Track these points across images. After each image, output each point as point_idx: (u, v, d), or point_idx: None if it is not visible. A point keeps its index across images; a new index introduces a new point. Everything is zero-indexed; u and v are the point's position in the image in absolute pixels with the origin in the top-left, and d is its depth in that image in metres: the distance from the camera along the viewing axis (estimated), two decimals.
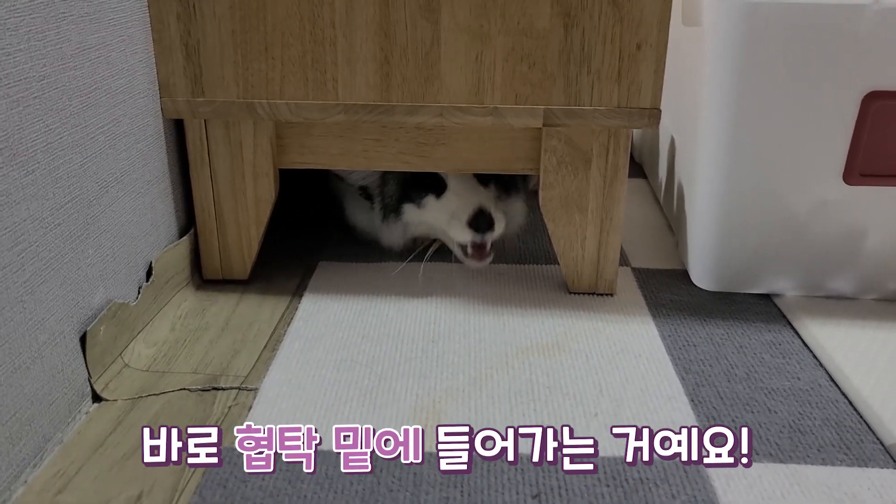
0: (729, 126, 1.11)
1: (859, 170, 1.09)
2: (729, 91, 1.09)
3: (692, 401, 0.94)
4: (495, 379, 0.98)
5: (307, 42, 1.07)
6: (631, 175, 1.18)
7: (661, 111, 1.09)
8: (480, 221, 1.18)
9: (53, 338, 0.86)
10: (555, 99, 1.08)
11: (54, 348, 0.86)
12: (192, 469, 0.82)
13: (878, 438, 0.88)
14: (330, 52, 1.08)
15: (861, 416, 0.92)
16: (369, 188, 1.32)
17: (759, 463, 0.83)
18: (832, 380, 0.99)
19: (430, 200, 1.24)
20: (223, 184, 1.17)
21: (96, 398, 0.94)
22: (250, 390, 0.96)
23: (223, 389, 0.96)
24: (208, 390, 0.96)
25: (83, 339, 0.92)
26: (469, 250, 1.22)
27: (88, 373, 0.93)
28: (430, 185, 1.24)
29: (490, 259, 1.23)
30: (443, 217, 1.23)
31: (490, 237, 1.20)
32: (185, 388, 0.96)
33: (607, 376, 0.99)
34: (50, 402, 0.85)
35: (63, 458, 0.84)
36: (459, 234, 1.20)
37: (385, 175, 1.28)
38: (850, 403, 0.94)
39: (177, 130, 1.16)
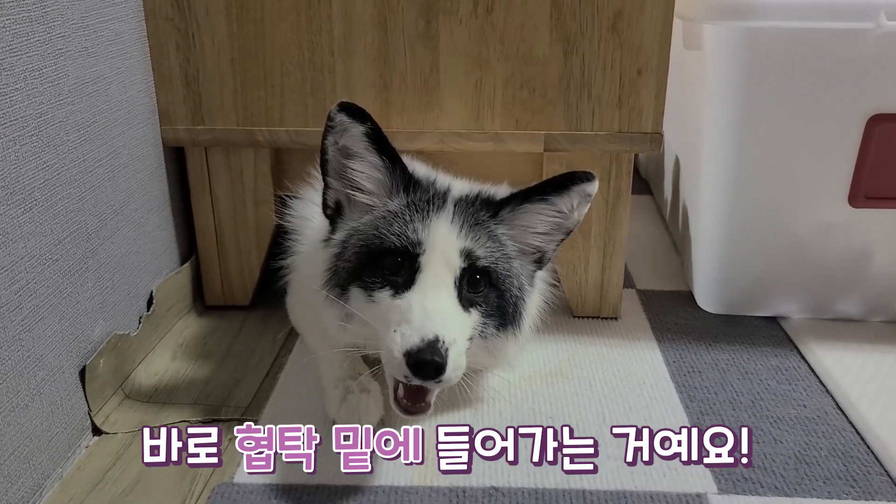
0: (732, 149, 1.10)
1: (864, 192, 1.08)
2: (732, 115, 1.08)
3: None
4: (497, 408, 0.97)
5: (306, 69, 1.07)
6: (637, 191, 1.17)
7: (662, 135, 1.08)
8: (423, 362, 0.76)
9: (52, 374, 0.85)
10: (555, 124, 1.08)
11: (53, 384, 0.85)
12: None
13: (885, 470, 0.87)
14: (329, 79, 1.07)
15: (868, 447, 0.90)
16: (342, 209, 0.92)
17: (763, 497, 0.82)
18: (839, 407, 0.98)
19: (384, 296, 0.84)
20: (224, 211, 1.17)
21: (96, 431, 0.93)
22: (252, 421, 0.95)
23: (224, 421, 0.96)
24: (209, 422, 0.95)
25: (83, 373, 0.92)
26: (400, 392, 0.84)
27: (88, 406, 0.93)
28: (395, 272, 0.85)
29: (426, 415, 0.84)
30: (385, 323, 0.82)
31: (434, 387, 0.81)
32: (185, 421, 0.96)
33: (611, 405, 0.98)
34: (49, 438, 0.84)
35: (62, 495, 0.83)
36: (390, 364, 0.80)
37: (364, 218, 0.90)
38: (857, 432, 0.93)
39: (177, 158, 1.16)
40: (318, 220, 0.98)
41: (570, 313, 1.21)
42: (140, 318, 1.06)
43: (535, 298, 0.97)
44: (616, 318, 1.21)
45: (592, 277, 1.18)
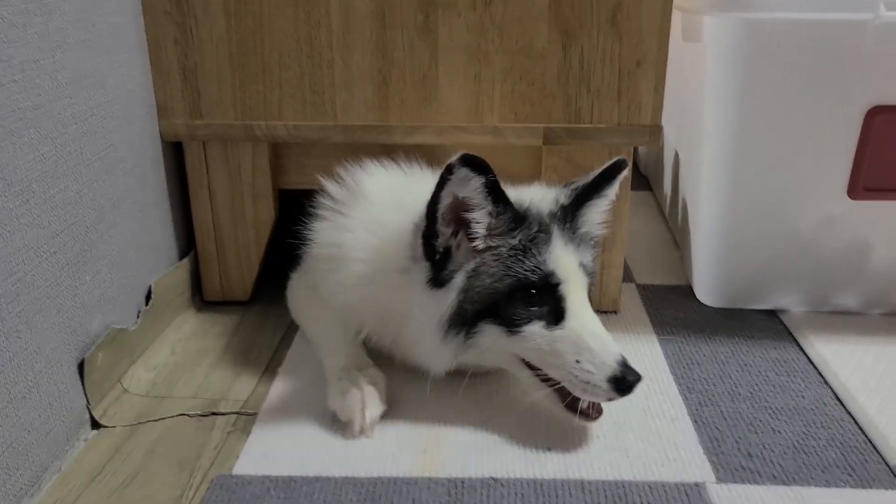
0: (732, 142, 1.10)
1: (863, 185, 1.08)
2: (731, 107, 1.08)
3: (695, 421, 0.93)
4: (496, 401, 0.97)
5: (305, 64, 1.07)
6: (636, 187, 1.17)
7: (662, 128, 1.08)
8: (632, 382, 0.84)
9: (50, 366, 0.85)
10: (555, 117, 1.08)
11: (51, 377, 0.85)
12: (190, 498, 0.81)
13: (882, 459, 0.86)
14: (328, 74, 1.07)
15: (866, 436, 0.90)
16: (451, 252, 0.88)
17: (762, 486, 0.82)
18: (837, 398, 0.98)
19: (535, 329, 0.87)
20: (223, 205, 1.17)
21: (95, 425, 0.93)
22: (250, 415, 0.95)
23: (223, 414, 0.96)
24: (207, 416, 0.95)
25: (81, 367, 0.92)
26: (584, 404, 0.88)
27: (87, 400, 0.92)
28: (538, 305, 0.87)
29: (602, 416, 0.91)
30: (556, 357, 0.86)
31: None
32: (184, 414, 0.95)
33: None
34: (48, 430, 0.84)
35: (61, 488, 0.83)
36: (590, 392, 0.85)
37: (486, 257, 0.88)
38: (856, 422, 0.93)
39: (175, 153, 1.16)
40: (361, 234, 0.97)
41: None
42: (138, 312, 1.06)
43: None
44: (616, 312, 1.21)
45: None
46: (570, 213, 0.92)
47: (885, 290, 1.16)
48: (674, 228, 1.48)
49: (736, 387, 1.00)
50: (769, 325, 1.16)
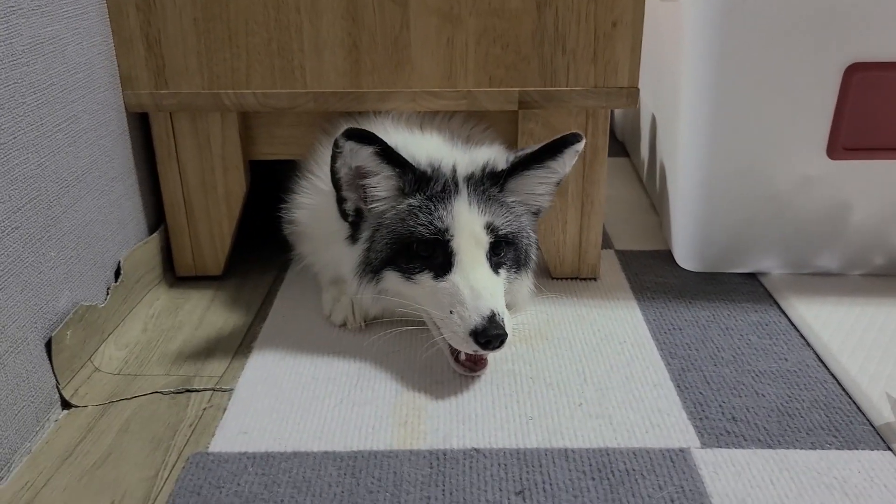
0: (709, 103, 1.08)
1: (843, 144, 1.07)
2: (708, 68, 1.06)
3: (678, 387, 0.92)
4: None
5: (272, 29, 1.04)
6: (613, 154, 1.15)
7: (639, 90, 1.06)
8: (491, 337, 0.87)
9: (16, 345, 0.82)
10: (530, 81, 1.05)
11: (17, 356, 0.83)
12: (165, 477, 0.79)
13: (867, 419, 0.86)
14: (296, 39, 1.04)
15: (850, 397, 0.90)
16: (362, 212, 0.98)
17: (747, 449, 0.81)
18: (820, 360, 0.97)
19: (425, 279, 0.94)
20: (192, 178, 1.14)
21: (66, 405, 0.91)
22: (225, 391, 0.93)
23: (197, 391, 0.93)
24: (181, 392, 0.93)
25: (49, 345, 0.89)
26: (462, 356, 0.95)
27: (56, 379, 0.90)
28: (430, 257, 0.94)
29: (484, 370, 0.96)
30: (438, 305, 0.92)
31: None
32: (157, 392, 0.93)
33: (591, 364, 0.97)
34: (15, 412, 0.82)
35: (31, 470, 0.81)
36: (457, 342, 0.90)
37: (388, 213, 0.96)
38: (839, 384, 0.93)
39: (142, 125, 1.13)
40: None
41: (549, 275, 1.20)
42: (108, 288, 1.03)
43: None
44: (595, 279, 1.19)
45: (570, 238, 1.16)
46: (500, 179, 0.97)
47: (864, 251, 1.15)
48: (652, 194, 1.47)
49: (718, 351, 0.99)
50: (750, 288, 1.16)
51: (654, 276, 1.20)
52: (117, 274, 1.06)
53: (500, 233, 0.95)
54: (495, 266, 0.95)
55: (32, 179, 0.86)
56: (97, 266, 1.01)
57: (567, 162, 0.98)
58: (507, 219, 0.97)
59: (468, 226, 0.93)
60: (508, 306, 0.97)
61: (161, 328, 1.07)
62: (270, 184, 1.23)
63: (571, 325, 1.06)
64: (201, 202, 1.15)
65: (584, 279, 1.19)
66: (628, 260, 1.26)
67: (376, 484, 0.77)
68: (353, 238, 0.99)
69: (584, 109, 1.07)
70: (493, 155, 1.00)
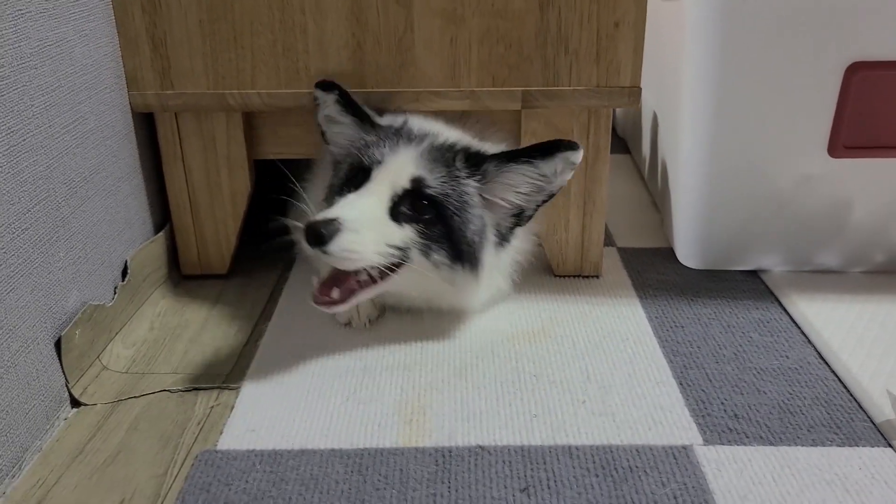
0: (711, 101, 1.09)
1: (844, 142, 1.08)
2: (710, 66, 1.07)
3: (681, 384, 0.93)
4: (480, 369, 0.97)
5: (277, 30, 1.04)
6: (614, 151, 1.16)
7: (641, 89, 1.07)
8: (315, 230, 0.87)
9: (27, 345, 0.83)
10: (533, 80, 1.06)
11: (28, 356, 0.84)
12: (174, 475, 0.80)
13: (868, 416, 0.87)
14: (301, 40, 1.05)
15: (851, 394, 0.91)
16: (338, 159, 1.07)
17: (749, 446, 0.82)
18: (821, 357, 0.98)
19: (350, 194, 0.96)
20: (198, 177, 1.15)
21: (75, 403, 0.92)
22: (232, 389, 0.94)
23: (205, 389, 0.94)
24: (189, 391, 0.94)
25: (58, 344, 0.90)
26: (315, 282, 0.96)
27: (65, 378, 0.91)
28: (357, 180, 0.98)
29: (342, 308, 0.96)
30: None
31: (326, 258, 0.90)
32: (165, 390, 0.94)
33: (594, 362, 0.98)
34: (26, 410, 0.83)
35: (42, 467, 0.82)
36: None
37: (351, 150, 1.02)
38: (840, 381, 0.93)
39: (148, 125, 1.14)
40: None
41: (552, 273, 1.21)
42: (115, 288, 1.04)
43: (509, 252, 1.07)
44: (597, 277, 1.20)
45: (573, 236, 1.17)
46: (479, 160, 0.98)
47: (865, 249, 1.16)
48: (653, 191, 1.47)
49: (720, 348, 1.00)
50: (751, 285, 1.16)
51: (656, 273, 1.21)
52: (124, 273, 1.07)
53: (424, 190, 0.95)
54: (403, 217, 0.94)
55: (41, 181, 0.87)
56: (104, 266, 1.02)
57: (558, 168, 0.96)
58: (446, 188, 0.96)
59: (396, 166, 0.96)
60: (447, 303, 1.04)
61: (168, 327, 1.08)
62: (275, 183, 1.23)
63: (574, 323, 1.07)
64: (207, 201, 1.16)
65: (587, 277, 1.20)
66: (630, 257, 1.27)
67: (383, 481, 0.78)
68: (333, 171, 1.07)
69: (587, 109, 1.08)
70: (489, 145, 1.03)
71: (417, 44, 1.05)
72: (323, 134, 1.07)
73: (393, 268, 0.94)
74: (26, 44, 0.84)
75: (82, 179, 0.96)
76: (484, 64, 1.06)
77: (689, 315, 1.08)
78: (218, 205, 1.16)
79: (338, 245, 0.88)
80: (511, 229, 1.03)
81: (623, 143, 1.83)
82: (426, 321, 1.06)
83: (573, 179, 1.11)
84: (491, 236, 1.00)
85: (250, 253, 1.27)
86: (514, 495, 0.76)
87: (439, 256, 0.96)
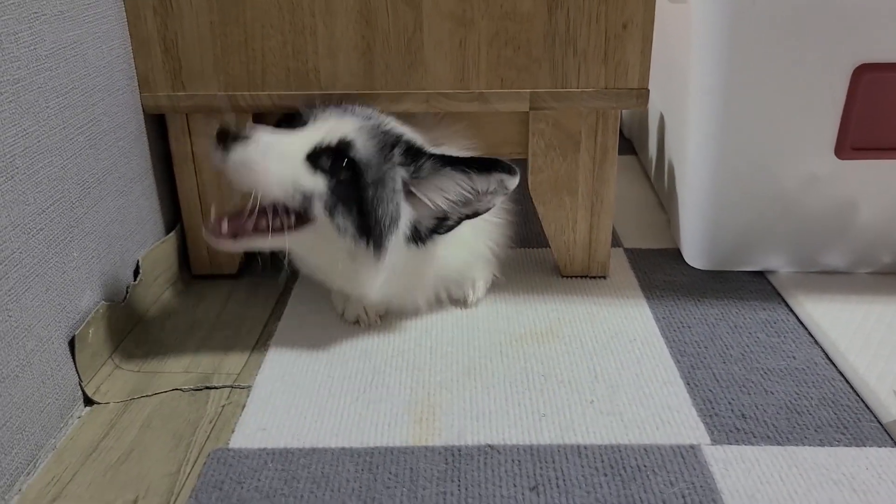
0: (718, 102, 1.10)
1: (851, 144, 1.08)
2: (717, 67, 1.08)
3: (688, 384, 0.94)
4: (489, 368, 0.97)
5: (287, 32, 1.05)
6: (621, 151, 1.16)
7: (649, 91, 1.07)
8: (219, 129, 0.88)
9: (41, 344, 0.84)
10: (541, 82, 1.07)
11: (43, 355, 0.85)
12: (187, 472, 0.81)
13: (875, 417, 0.88)
14: (311, 42, 1.06)
15: (858, 395, 0.91)
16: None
17: (756, 446, 0.83)
18: (828, 357, 0.99)
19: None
20: (208, 178, 1.16)
21: (88, 402, 0.93)
22: (243, 388, 0.95)
23: (216, 388, 0.95)
24: (201, 389, 0.95)
25: (72, 343, 0.91)
26: (212, 213, 0.98)
27: (79, 376, 0.92)
28: (299, 126, 0.98)
29: (229, 246, 0.94)
30: None
31: (234, 172, 0.90)
32: (177, 389, 0.95)
33: (602, 362, 0.98)
34: (41, 408, 0.84)
35: (57, 465, 0.83)
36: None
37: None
38: (847, 381, 0.94)
39: (159, 126, 1.14)
40: None
41: (559, 273, 1.21)
42: (127, 287, 1.05)
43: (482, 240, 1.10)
44: (605, 277, 1.21)
45: (580, 237, 1.18)
46: (417, 155, 0.96)
47: (871, 250, 1.17)
48: (660, 192, 1.48)
49: (727, 349, 1.01)
50: (758, 286, 1.17)
51: (663, 274, 1.22)
52: (136, 273, 1.08)
53: (347, 151, 0.93)
54: (319, 169, 0.92)
55: (56, 182, 0.88)
56: (117, 265, 1.03)
57: (490, 187, 0.95)
58: (371, 161, 0.93)
59: (331, 126, 0.95)
60: (348, 284, 1.01)
61: (179, 326, 1.09)
62: None
63: (582, 323, 1.07)
64: (217, 202, 1.17)
65: (594, 277, 1.21)
66: (637, 258, 1.27)
67: (393, 479, 0.79)
68: None
69: (595, 110, 1.09)
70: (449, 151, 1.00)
71: (426, 45, 1.06)
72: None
73: (297, 223, 0.92)
74: (42, 46, 0.85)
75: (96, 180, 0.97)
76: (493, 66, 1.06)
77: (697, 315, 1.09)
78: (228, 205, 1.17)
79: (239, 155, 0.87)
80: (430, 232, 0.99)
81: (630, 144, 1.84)
82: (434, 319, 1.07)
83: (581, 180, 1.12)
84: (404, 228, 0.96)
85: (260, 253, 1.27)
86: (523, 494, 0.77)
87: (345, 221, 0.92)
